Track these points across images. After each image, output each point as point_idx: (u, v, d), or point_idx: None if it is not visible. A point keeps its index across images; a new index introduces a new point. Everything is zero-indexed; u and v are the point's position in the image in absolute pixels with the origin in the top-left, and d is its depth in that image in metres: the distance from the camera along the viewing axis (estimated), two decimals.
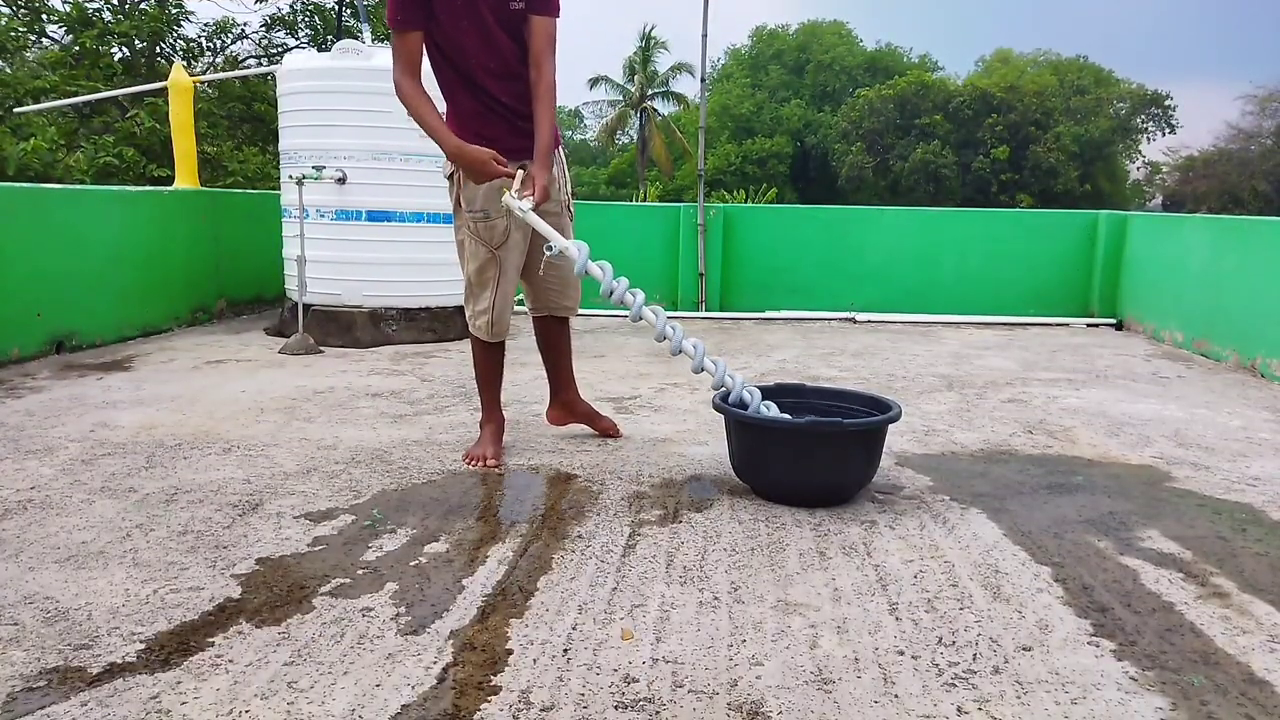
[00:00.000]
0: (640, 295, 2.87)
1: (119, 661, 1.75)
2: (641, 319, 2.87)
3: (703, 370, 2.87)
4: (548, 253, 2.91)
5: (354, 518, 2.55)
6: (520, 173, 2.85)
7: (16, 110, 10.22)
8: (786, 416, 2.80)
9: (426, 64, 2.92)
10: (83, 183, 10.27)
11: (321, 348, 5.19)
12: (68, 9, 11.65)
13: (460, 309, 5.36)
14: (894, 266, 7.38)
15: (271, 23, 13.86)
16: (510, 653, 1.81)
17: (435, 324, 5.58)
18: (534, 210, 2.84)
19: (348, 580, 2.14)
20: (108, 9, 11.98)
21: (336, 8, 13.38)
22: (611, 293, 2.85)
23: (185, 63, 12.67)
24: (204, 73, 12.29)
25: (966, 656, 1.82)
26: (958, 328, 6.70)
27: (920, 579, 2.19)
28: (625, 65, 37.78)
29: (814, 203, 26.17)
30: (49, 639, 1.83)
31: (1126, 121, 37.06)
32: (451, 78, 2.94)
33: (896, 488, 2.90)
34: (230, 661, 1.76)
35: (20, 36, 11.82)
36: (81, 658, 1.76)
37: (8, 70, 12.25)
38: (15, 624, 1.89)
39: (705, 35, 7.58)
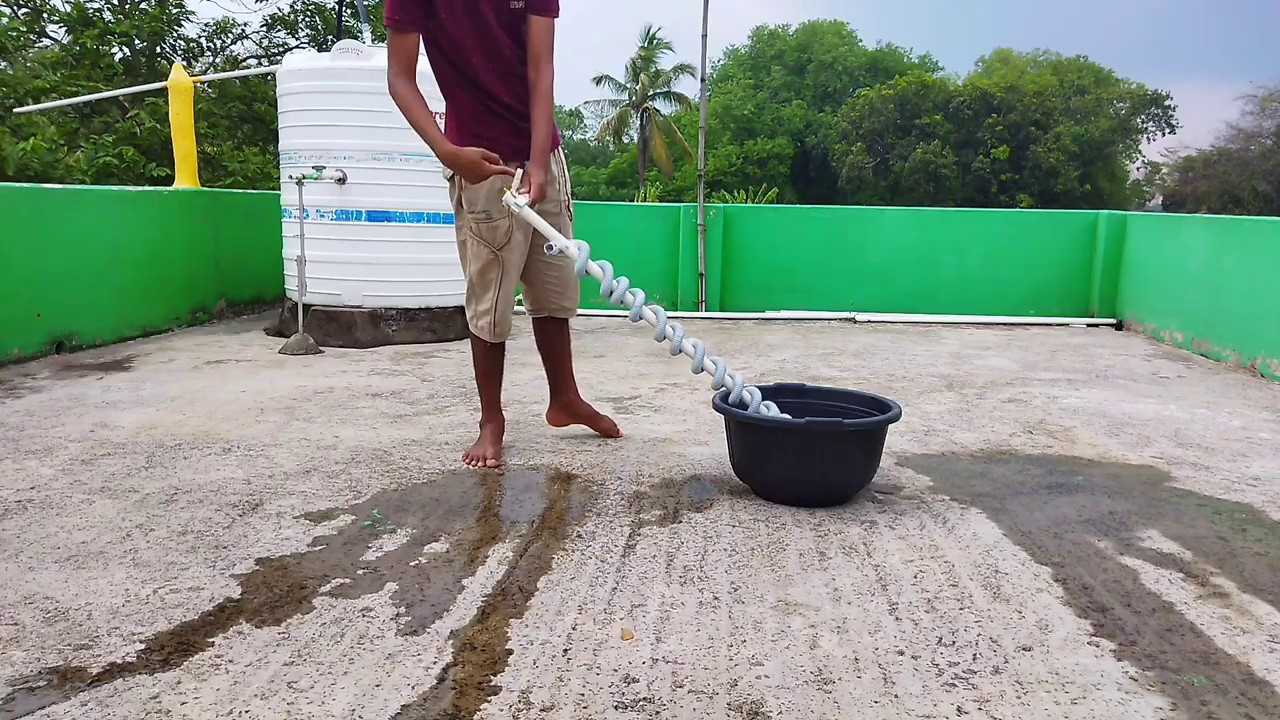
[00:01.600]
0: (640, 295, 2.87)
1: (119, 661, 1.75)
2: (642, 319, 2.87)
3: (702, 370, 2.88)
4: (548, 252, 2.92)
5: (354, 518, 2.55)
6: (519, 171, 2.85)
7: (16, 110, 10.22)
8: (786, 416, 2.80)
9: (425, 64, 2.92)
10: (83, 183, 10.27)
11: (321, 348, 5.19)
12: (68, 9, 11.65)
13: (460, 309, 5.41)
14: (894, 266, 7.38)
15: (271, 23, 13.85)
16: (510, 653, 1.81)
17: (435, 324, 5.58)
18: (532, 210, 2.84)
19: (348, 580, 2.14)
20: (108, 9, 11.97)
21: (336, 8, 13.36)
22: (611, 292, 2.85)
23: (185, 63, 12.67)
24: (204, 73, 12.29)
25: (966, 656, 1.83)
26: (958, 328, 6.70)
27: (920, 579, 2.19)
28: (629, 65, 37.77)
29: (814, 203, 26.17)
30: (49, 639, 1.83)
31: (1126, 121, 37.04)
32: (451, 76, 2.93)
33: (896, 488, 2.90)
34: (230, 661, 1.76)
35: (20, 36, 11.81)
36: (81, 658, 1.76)
37: (8, 70, 12.24)
38: (15, 624, 1.89)
39: (705, 35, 7.59)
